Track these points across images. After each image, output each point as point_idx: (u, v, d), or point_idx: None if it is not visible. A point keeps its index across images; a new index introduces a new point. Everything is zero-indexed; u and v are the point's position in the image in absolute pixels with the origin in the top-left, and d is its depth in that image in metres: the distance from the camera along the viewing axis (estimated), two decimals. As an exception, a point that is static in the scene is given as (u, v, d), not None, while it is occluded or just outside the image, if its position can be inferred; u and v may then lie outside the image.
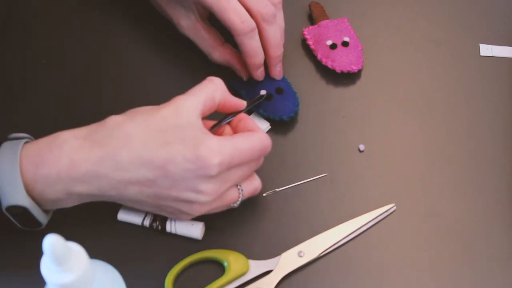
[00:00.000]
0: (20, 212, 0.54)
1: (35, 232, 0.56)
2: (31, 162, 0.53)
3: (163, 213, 0.58)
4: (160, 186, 0.53)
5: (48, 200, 0.54)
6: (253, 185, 0.59)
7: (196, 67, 0.71)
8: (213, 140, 0.53)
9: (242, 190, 0.58)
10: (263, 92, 0.68)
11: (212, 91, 0.57)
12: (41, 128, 0.57)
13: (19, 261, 0.59)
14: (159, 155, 0.52)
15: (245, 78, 0.69)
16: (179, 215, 0.57)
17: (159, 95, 0.60)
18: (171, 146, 0.52)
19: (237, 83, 0.69)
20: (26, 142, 0.55)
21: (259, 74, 0.68)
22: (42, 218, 0.56)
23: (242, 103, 0.60)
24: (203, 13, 0.68)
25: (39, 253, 0.43)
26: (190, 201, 0.54)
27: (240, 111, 0.60)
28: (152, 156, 0.52)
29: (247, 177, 0.59)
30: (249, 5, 0.65)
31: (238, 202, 0.59)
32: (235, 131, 0.60)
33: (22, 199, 0.53)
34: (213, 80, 0.58)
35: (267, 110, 0.67)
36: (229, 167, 0.54)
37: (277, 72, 0.68)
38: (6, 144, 0.54)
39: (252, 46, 0.65)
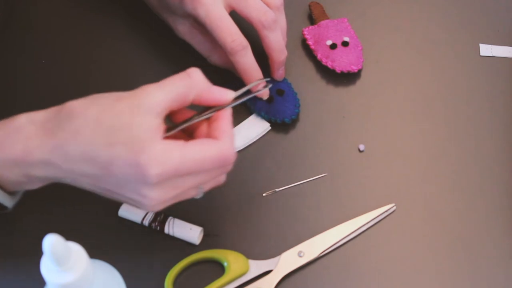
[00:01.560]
0: None
1: (35, 232, 0.56)
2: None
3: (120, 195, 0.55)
4: (107, 183, 0.52)
5: (9, 182, 0.54)
6: (215, 182, 0.56)
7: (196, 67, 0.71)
8: (158, 148, 0.50)
9: (202, 187, 0.55)
10: (266, 97, 0.68)
11: (186, 87, 0.53)
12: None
13: (19, 261, 0.59)
14: (103, 155, 0.50)
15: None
16: (138, 207, 0.55)
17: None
18: (115, 147, 0.50)
19: (236, 84, 0.69)
20: None
21: (282, 73, 0.68)
22: (6, 201, 0.55)
23: (225, 98, 0.55)
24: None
25: (39, 253, 0.43)
26: (137, 202, 0.53)
27: (221, 107, 0.55)
28: (96, 155, 0.51)
29: (206, 183, 0.55)
30: (248, 15, 0.65)
31: (199, 196, 0.56)
32: (207, 130, 0.55)
33: None
34: (190, 74, 0.54)
35: (268, 113, 0.67)
36: (175, 176, 0.51)
37: (279, 75, 0.69)
38: None
39: (244, 63, 0.64)
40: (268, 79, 0.65)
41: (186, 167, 0.51)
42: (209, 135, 0.54)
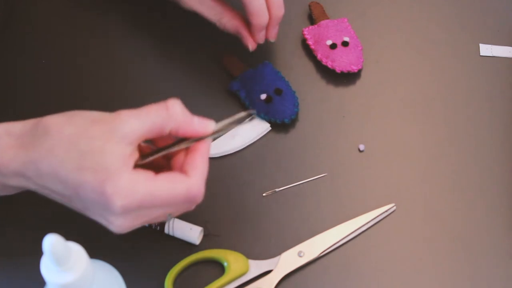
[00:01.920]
0: None
1: (35, 232, 0.56)
2: None
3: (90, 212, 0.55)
4: (76, 204, 0.52)
5: None
6: (181, 209, 0.55)
7: (195, 68, 0.71)
8: (125, 179, 0.50)
9: (170, 214, 0.54)
10: (263, 96, 0.68)
11: (163, 119, 0.52)
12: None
13: (19, 261, 0.59)
14: (72, 178, 0.51)
15: (251, 48, 0.68)
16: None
17: (159, 96, 0.60)
18: (84, 173, 0.50)
19: (236, 84, 0.69)
20: None
21: (262, 36, 0.68)
22: None
23: (205, 130, 0.54)
24: None
25: (39, 253, 0.43)
26: (105, 225, 0.53)
27: (201, 138, 0.54)
28: (67, 177, 0.51)
29: (175, 214, 0.55)
30: None
31: (168, 220, 0.58)
32: (184, 159, 0.54)
33: None
34: (168, 107, 0.53)
35: (268, 113, 0.67)
36: (140, 208, 0.51)
37: (274, 34, 0.68)
38: None
39: (259, 4, 0.65)
40: (254, 111, 0.64)
41: (151, 201, 0.51)
42: (182, 167, 0.54)
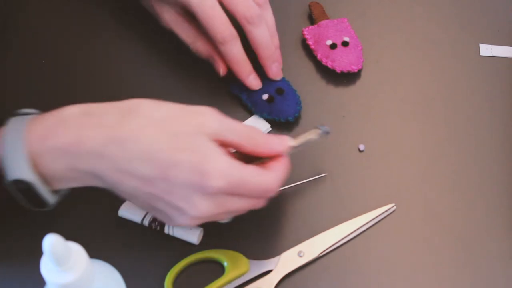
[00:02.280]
0: (24, 187, 0.52)
1: (35, 232, 0.56)
2: (37, 135, 0.52)
3: (152, 213, 0.57)
4: (157, 187, 0.52)
5: (52, 177, 0.53)
6: (254, 204, 0.57)
7: (196, 71, 0.71)
8: (223, 162, 0.51)
9: (232, 216, 0.58)
10: (265, 97, 0.68)
11: (245, 140, 0.55)
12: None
13: (19, 261, 0.59)
14: (166, 157, 0.51)
15: (222, 73, 0.68)
16: (166, 220, 0.55)
17: (160, 98, 0.60)
18: (180, 152, 0.51)
19: (237, 87, 0.69)
20: (33, 117, 0.54)
21: (253, 81, 0.68)
22: (48, 196, 0.54)
23: (282, 148, 0.57)
24: (185, 9, 0.68)
25: (39, 253, 0.43)
26: (181, 210, 0.53)
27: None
28: (158, 156, 0.51)
29: (242, 211, 0.56)
30: (233, 9, 0.65)
31: (225, 221, 0.59)
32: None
33: (25, 173, 0.51)
34: (251, 130, 0.56)
35: (271, 113, 0.67)
36: (229, 194, 0.53)
37: (274, 72, 0.68)
38: (14, 119, 0.53)
39: (234, 54, 0.66)
40: (327, 129, 0.62)
41: (241, 187, 0.53)
42: (263, 164, 0.56)
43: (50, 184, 0.54)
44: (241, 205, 0.55)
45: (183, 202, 0.52)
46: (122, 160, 0.51)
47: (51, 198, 0.54)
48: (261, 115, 0.68)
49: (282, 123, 0.68)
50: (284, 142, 0.57)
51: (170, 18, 0.69)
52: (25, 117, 0.54)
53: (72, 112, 0.53)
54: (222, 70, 0.68)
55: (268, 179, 0.54)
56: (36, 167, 0.52)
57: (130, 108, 0.52)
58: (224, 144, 0.54)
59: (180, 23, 0.68)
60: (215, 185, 0.51)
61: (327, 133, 0.61)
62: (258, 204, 0.56)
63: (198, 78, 0.71)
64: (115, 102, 0.53)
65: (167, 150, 0.51)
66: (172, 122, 0.52)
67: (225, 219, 0.58)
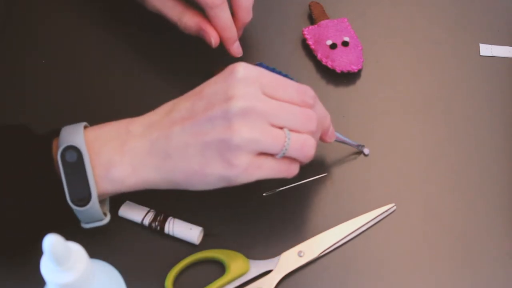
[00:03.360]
0: (84, 204, 0.55)
1: (35, 232, 0.56)
2: (101, 164, 0.55)
3: (210, 156, 0.54)
4: (197, 112, 0.54)
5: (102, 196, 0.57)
6: (302, 140, 0.55)
7: (195, 75, 0.71)
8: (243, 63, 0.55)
9: (289, 138, 0.54)
10: None
11: None
12: (40, 127, 0.57)
13: (19, 261, 0.59)
14: (197, 89, 0.56)
15: (214, 43, 0.67)
16: (225, 154, 0.53)
17: (160, 96, 0.60)
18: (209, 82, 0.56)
19: None
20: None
21: (236, 49, 0.68)
22: (105, 219, 0.57)
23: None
24: None
25: (39, 253, 0.43)
26: (224, 117, 0.53)
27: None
28: (192, 91, 0.56)
29: (293, 128, 0.55)
30: None
31: (285, 151, 0.55)
32: None
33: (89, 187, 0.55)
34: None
35: None
36: (261, 85, 0.54)
37: (236, 51, 0.69)
38: (67, 135, 0.56)
39: (222, 18, 0.66)
40: (363, 145, 0.67)
41: (275, 82, 0.56)
42: None
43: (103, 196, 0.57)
44: (284, 118, 0.55)
45: (220, 104, 0.53)
46: (167, 120, 0.56)
47: (106, 219, 0.58)
48: None
49: None
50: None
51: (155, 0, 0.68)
52: (81, 133, 0.56)
53: (135, 133, 0.56)
54: (214, 40, 0.67)
55: (295, 84, 0.58)
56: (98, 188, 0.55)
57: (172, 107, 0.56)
58: None
59: (165, 2, 0.68)
60: (239, 69, 0.54)
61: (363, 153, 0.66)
62: (304, 121, 0.56)
63: (199, 81, 0.71)
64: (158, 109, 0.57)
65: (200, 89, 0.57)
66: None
67: (290, 174, 0.57)
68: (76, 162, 0.54)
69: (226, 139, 0.53)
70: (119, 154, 0.55)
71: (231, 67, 0.55)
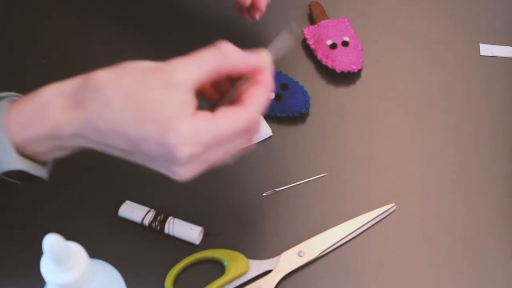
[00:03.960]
0: (19, 174, 0.53)
1: (35, 232, 0.56)
2: (18, 127, 0.52)
3: (153, 165, 0.53)
4: (138, 158, 0.52)
5: (42, 153, 0.53)
6: (241, 143, 0.53)
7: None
8: (187, 127, 0.49)
9: (231, 155, 0.53)
10: (271, 95, 0.68)
11: (218, 62, 0.51)
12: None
13: (19, 261, 0.59)
14: (133, 132, 0.50)
15: (257, 16, 0.68)
16: (169, 168, 0.52)
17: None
18: (145, 125, 0.49)
19: None
20: (11, 100, 0.54)
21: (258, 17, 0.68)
22: (42, 173, 0.54)
23: (262, 63, 0.54)
24: None
25: (39, 253, 0.43)
26: (169, 175, 0.52)
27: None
28: (126, 131, 0.50)
29: (236, 152, 0.53)
30: None
31: (231, 162, 0.54)
32: (244, 91, 0.53)
33: (16, 163, 0.52)
34: (221, 50, 0.51)
35: (282, 110, 0.68)
36: (204, 152, 0.51)
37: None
38: None
39: None
40: (296, 28, 0.57)
41: (214, 142, 0.50)
42: (238, 98, 0.53)
43: (40, 159, 0.54)
44: (225, 152, 0.52)
45: (165, 170, 0.51)
46: (98, 137, 0.51)
47: (44, 174, 0.55)
48: (274, 115, 0.68)
49: (295, 118, 0.68)
50: (259, 54, 0.54)
51: None
52: (1, 104, 0.53)
53: (48, 95, 0.53)
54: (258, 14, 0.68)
55: (244, 116, 0.51)
56: (24, 152, 0.52)
57: (95, 83, 0.51)
58: (203, 83, 0.51)
59: None
60: (182, 155, 0.49)
61: (297, 33, 0.57)
62: (247, 141, 0.53)
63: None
64: (82, 76, 0.52)
65: (132, 124, 0.50)
66: (136, 91, 0.50)
67: (227, 163, 0.54)
68: None
69: (169, 173, 0.52)
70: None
71: (172, 145, 0.49)
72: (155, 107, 0.49)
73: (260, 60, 0.53)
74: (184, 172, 0.51)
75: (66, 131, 0.51)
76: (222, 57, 0.51)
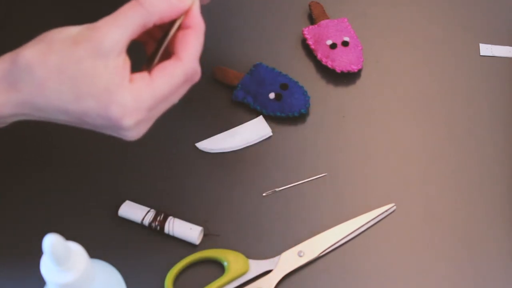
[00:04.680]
0: None
1: (35, 232, 0.56)
2: None
3: (100, 129, 0.52)
4: (87, 126, 0.51)
5: None
6: (185, 91, 0.52)
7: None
8: (128, 97, 0.48)
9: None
10: (271, 95, 0.68)
11: (142, 16, 0.49)
12: (41, 128, 0.57)
13: (19, 261, 0.59)
14: (74, 108, 0.49)
15: None
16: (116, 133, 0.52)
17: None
18: (84, 101, 0.48)
19: (241, 93, 0.69)
20: None
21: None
22: None
23: (187, 5, 0.52)
24: None
25: (39, 253, 0.43)
26: (119, 138, 0.51)
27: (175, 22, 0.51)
28: (67, 108, 0.49)
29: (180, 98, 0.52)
30: None
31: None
32: (170, 43, 0.52)
33: None
34: (142, 3, 0.50)
35: (283, 110, 0.68)
36: (150, 112, 0.50)
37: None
38: None
39: None
40: None
41: (156, 103, 0.50)
42: (173, 46, 0.52)
43: None
44: (172, 102, 0.52)
45: (115, 134, 0.51)
46: (40, 113, 0.50)
47: None
48: (274, 115, 0.68)
49: (295, 118, 0.68)
50: (182, 4, 0.52)
51: None
52: None
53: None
54: None
55: (182, 71, 0.50)
56: None
57: (25, 63, 0.49)
58: (131, 40, 0.50)
59: None
60: (129, 124, 0.49)
61: None
62: (185, 91, 0.52)
63: (199, 89, 0.71)
64: (9, 56, 0.51)
65: (71, 101, 0.49)
66: (67, 66, 0.48)
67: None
68: None
69: (116, 134, 0.51)
70: None
71: (116, 117, 0.48)
72: (90, 80, 0.48)
73: (186, 3, 0.52)
74: (133, 134, 0.50)
75: (4, 112, 0.50)
76: (146, 11, 0.50)
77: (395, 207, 0.63)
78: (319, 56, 0.72)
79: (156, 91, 0.50)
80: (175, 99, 0.52)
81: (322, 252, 0.60)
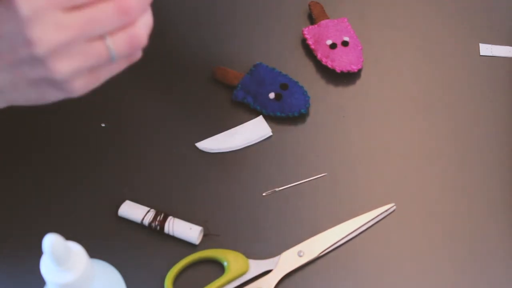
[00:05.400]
0: None
1: (35, 232, 0.56)
2: None
3: (44, 89, 0.47)
4: (2, 53, 0.44)
5: None
6: (127, 37, 0.45)
7: (189, 86, 0.71)
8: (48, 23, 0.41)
9: (111, 46, 0.45)
10: (271, 95, 0.68)
11: None
12: (41, 127, 0.57)
13: (19, 261, 0.59)
14: None
15: None
16: (57, 85, 0.46)
17: (160, 109, 0.60)
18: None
19: (240, 93, 0.69)
20: None
21: None
22: None
23: None
24: None
25: (39, 253, 0.43)
26: (36, 61, 0.44)
27: None
28: None
29: (114, 42, 0.45)
30: None
31: (114, 59, 0.46)
32: None
33: None
34: None
35: (283, 110, 0.68)
36: (56, 5, 0.42)
37: None
38: None
39: None
40: None
41: (82, 31, 0.43)
42: None
43: None
44: (102, 44, 0.44)
45: (44, 71, 0.44)
46: None
47: None
48: (274, 115, 0.68)
49: (295, 118, 0.68)
50: None
51: None
52: None
53: None
54: None
55: (111, 4, 0.43)
56: None
57: None
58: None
59: None
60: (42, 50, 0.42)
61: None
62: (124, 27, 0.45)
63: (199, 89, 0.71)
64: None
65: None
66: None
67: (110, 59, 0.46)
68: None
69: (50, 78, 0.45)
70: None
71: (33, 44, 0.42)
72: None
73: None
74: (60, 68, 0.44)
75: None
76: None
77: (395, 207, 0.63)
78: (319, 56, 0.72)
79: (79, 19, 0.43)
80: (103, 29, 0.44)
81: (322, 252, 0.60)
